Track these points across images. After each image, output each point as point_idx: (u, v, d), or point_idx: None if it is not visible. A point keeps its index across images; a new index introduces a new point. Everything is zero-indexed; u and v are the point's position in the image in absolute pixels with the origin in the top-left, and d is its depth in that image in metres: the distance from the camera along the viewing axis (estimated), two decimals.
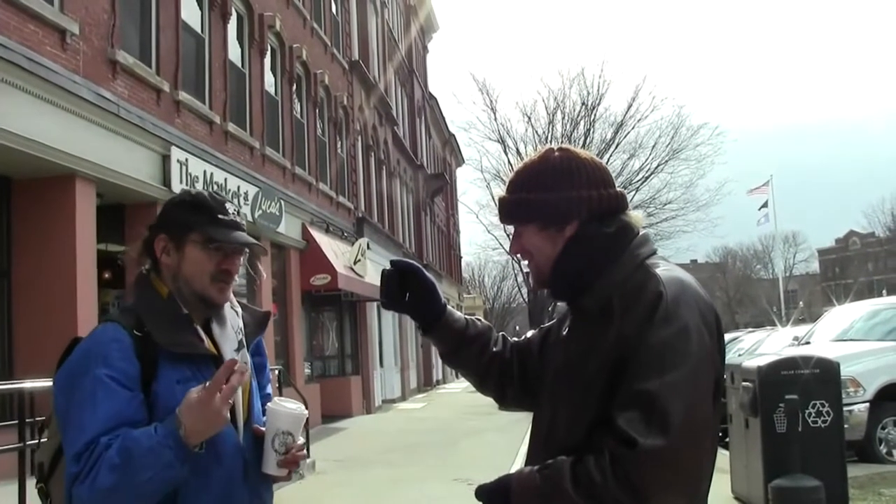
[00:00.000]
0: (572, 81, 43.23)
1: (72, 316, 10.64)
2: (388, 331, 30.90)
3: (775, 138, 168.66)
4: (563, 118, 42.39)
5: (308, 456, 2.43)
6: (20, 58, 9.82)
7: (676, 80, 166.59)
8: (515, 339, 2.49)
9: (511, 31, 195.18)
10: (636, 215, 2.12)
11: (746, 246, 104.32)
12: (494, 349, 2.40)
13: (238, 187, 15.93)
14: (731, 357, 15.77)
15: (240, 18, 17.57)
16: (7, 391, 9.42)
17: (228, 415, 2.13)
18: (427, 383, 39.68)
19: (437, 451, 15.07)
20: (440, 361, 41.18)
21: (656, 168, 43.04)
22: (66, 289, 10.74)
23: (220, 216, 2.35)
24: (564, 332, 2.18)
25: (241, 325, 2.48)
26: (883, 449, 10.60)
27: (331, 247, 21.60)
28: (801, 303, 73.05)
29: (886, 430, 10.66)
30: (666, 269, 1.96)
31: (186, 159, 13.79)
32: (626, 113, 42.24)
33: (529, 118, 42.99)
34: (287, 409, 2.36)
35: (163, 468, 2.04)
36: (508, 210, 2.15)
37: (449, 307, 2.38)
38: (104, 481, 2.02)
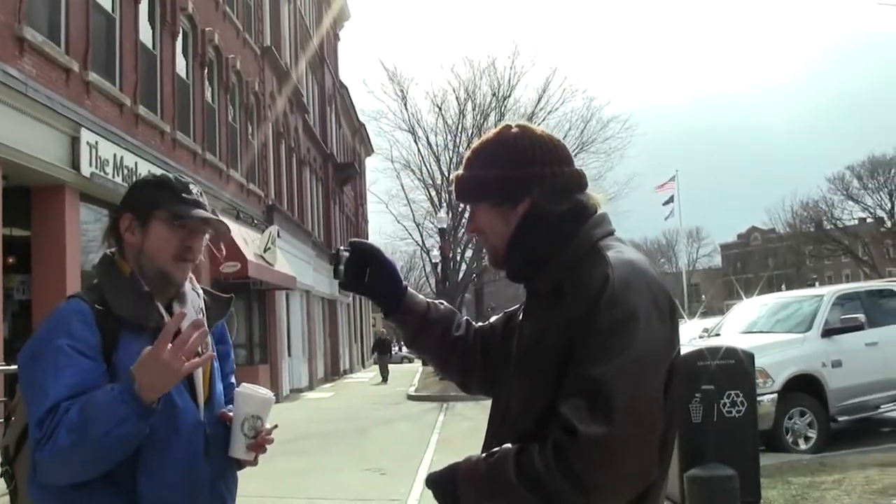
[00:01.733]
0: (483, 73, 43.49)
1: None
2: (297, 320, 30.67)
3: (682, 135, 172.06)
4: (474, 109, 42.62)
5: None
6: None
7: (588, 73, 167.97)
8: (480, 323, 2.43)
9: (422, 20, 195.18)
10: (595, 195, 2.06)
11: (651, 240, 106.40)
12: (456, 333, 2.34)
13: (148, 172, 15.51)
14: None
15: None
16: None
17: (181, 368, 2.10)
18: (334, 373, 39.47)
19: (347, 441, 15.02)
20: (347, 351, 40.79)
21: None
22: None
23: (184, 195, 2.39)
24: (520, 317, 2.12)
25: (203, 305, 2.51)
26: (790, 438, 10.83)
27: (241, 234, 21.30)
28: (703, 296, 74.64)
29: (793, 420, 10.90)
30: (618, 251, 1.89)
31: (97, 142, 13.42)
32: (537, 105, 42.69)
33: (440, 109, 43.05)
34: (257, 393, 2.40)
35: (118, 423, 2.04)
36: (462, 188, 2.11)
37: (411, 290, 2.34)
38: (63, 441, 2.04)
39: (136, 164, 14.97)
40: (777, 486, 8.03)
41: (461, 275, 39.50)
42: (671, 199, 46.66)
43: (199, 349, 2.30)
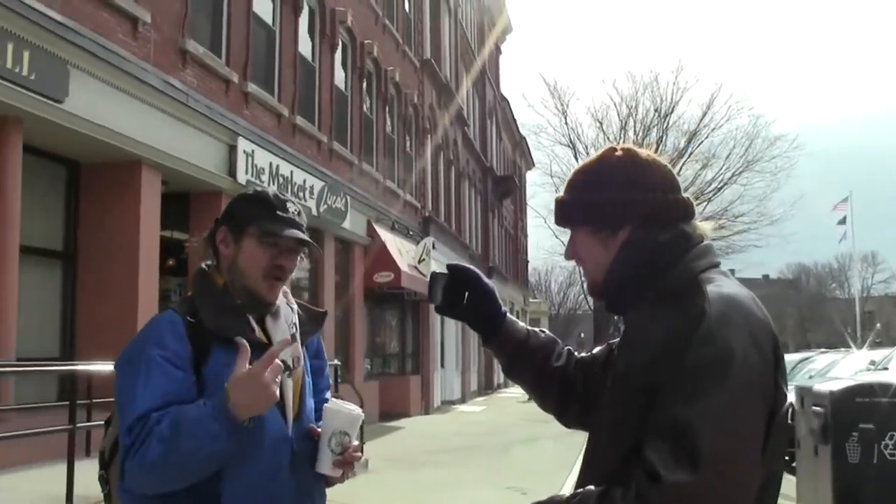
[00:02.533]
0: (645, 88, 43.01)
1: (133, 301, 10.75)
2: (451, 332, 30.78)
3: (853, 154, 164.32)
4: (636, 125, 42.14)
5: (362, 454, 2.42)
6: (92, 44, 9.97)
7: (754, 90, 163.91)
8: (582, 354, 2.32)
9: (584, 34, 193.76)
10: (702, 225, 1.94)
11: (822, 264, 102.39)
12: (556, 363, 2.25)
13: (304, 181, 15.98)
14: (801, 378, 15.10)
15: (311, 12, 17.66)
16: (61, 372, 9.59)
17: (277, 392, 2.13)
18: (488, 386, 39.52)
19: (491, 457, 14.89)
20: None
21: (729, 179, 42.50)
22: (128, 274, 10.87)
23: (279, 213, 2.38)
24: (616, 349, 2.03)
25: (296, 320, 2.50)
26: None
27: (395, 244, 21.59)
28: (878, 325, 70.59)
29: None
30: (718, 284, 1.77)
31: (253, 150, 13.87)
32: (701, 121, 41.89)
33: (601, 123, 42.85)
34: (345, 409, 2.38)
35: (209, 440, 2.05)
36: (561, 211, 2.02)
37: (510, 316, 2.26)
38: (153, 453, 2.06)
39: (291, 172, 15.37)
40: None
41: None
42: (843, 221, 44.55)
43: (291, 363, 2.37)
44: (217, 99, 13.07)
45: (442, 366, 28.55)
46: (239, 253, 2.36)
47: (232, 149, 13.36)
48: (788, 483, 5.78)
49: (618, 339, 2.11)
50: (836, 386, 7.12)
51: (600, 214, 1.91)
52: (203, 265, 2.44)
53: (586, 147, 43.18)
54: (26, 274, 9.64)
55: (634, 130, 42.39)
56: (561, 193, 2.03)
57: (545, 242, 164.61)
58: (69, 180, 11.10)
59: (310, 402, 2.49)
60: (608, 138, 42.25)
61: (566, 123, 43.90)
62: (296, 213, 2.41)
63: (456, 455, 14.64)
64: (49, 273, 10.88)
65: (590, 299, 50.30)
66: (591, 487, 1.71)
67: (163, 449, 2.04)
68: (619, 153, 1.95)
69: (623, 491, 1.61)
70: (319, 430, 2.39)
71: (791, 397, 1.80)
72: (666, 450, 1.57)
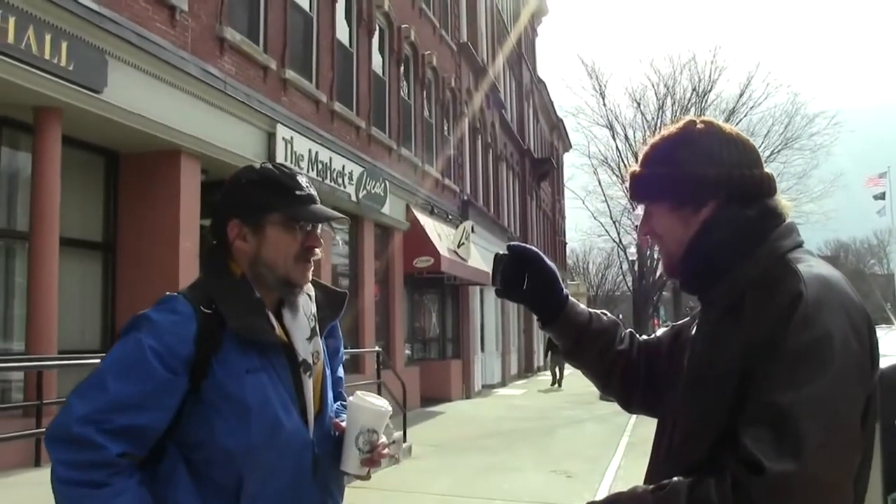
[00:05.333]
0: (683, 67, 42.74)
1: (173, 290, 10.59)
2: (491, 315, 30.69)
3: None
4: (674, 105, 41.79)
5: (405, 440, 2.25)
6: (130, 34, 9.91)
7: (793, 67, 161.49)
8: (645, 337, 2.23)
9: (621, 15, 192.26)
10: (785, 202, 1.85)
11: (860, 240, 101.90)
12: (619, 347, 2.16)
13: (343, 166, 15.89)
14: None
15: None
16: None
17: None
18: (528, 369, 39.44)
19: (535, 440, 14.84)
20: (541, 348, 40.45)
21: (769, 157, 42.11)
22: (168, 263, 10.85)
23: (297, 192, 2.19)
24: (692, 331, 1.93)
25: (315, 309, 2.31)
26: None
27: (435, 229, 21.48)
28: None
29: None
30: (810, 264, 1.69)
31: (292, 137, 13.79)
32: (739, 100, 41.47)
33: (639, 104, 42.58)
34: (372, 404, 2.23)
35: None
36: (639, 186, 1.93)
37: (572, 299, 2.16)
38: (60, 471, 1.96)
39: (330, 159, 15.29)
40: None
41: (658, 272, 38.63)
42: (882, 196, 44.04)
43: (311, 359, 2.22)
44: (255, 86, 13.00)
45: (482, 350, 28.48)
46: (263, 245, 2.16)
47: (271, 136, 13.29)
48: None
49: (685, 321, 2.09)
50: (884, 363, 7.04)
51: (683, 190, 1.82)
52: (217, 247, 2.24)
53: (624, 127, 43.01)
54: (66, 266, 9.66)
55: (672, 110, 42.14)
56: (636, 167, 1.94)
57: (583, 224, 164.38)
58: (108, 171, 11.10)
59: (330, 396, 2.34)
60: (646, 119, 42.09)
61: (604, 104, 43.71)
62: (308, 185, 2.25)
63: (498, 439, 14.63)
64: (89, 265, 10.90)
65: (628, 279, 50.02)
66: (679, 478, 1.62)
67: (63, 489, 1.94)
68: (700, 126, 1.88)
69: (717, 482, 1.54)
70: (343, 424, 2.26)
71: None
72: (766, 439, 1.50)
